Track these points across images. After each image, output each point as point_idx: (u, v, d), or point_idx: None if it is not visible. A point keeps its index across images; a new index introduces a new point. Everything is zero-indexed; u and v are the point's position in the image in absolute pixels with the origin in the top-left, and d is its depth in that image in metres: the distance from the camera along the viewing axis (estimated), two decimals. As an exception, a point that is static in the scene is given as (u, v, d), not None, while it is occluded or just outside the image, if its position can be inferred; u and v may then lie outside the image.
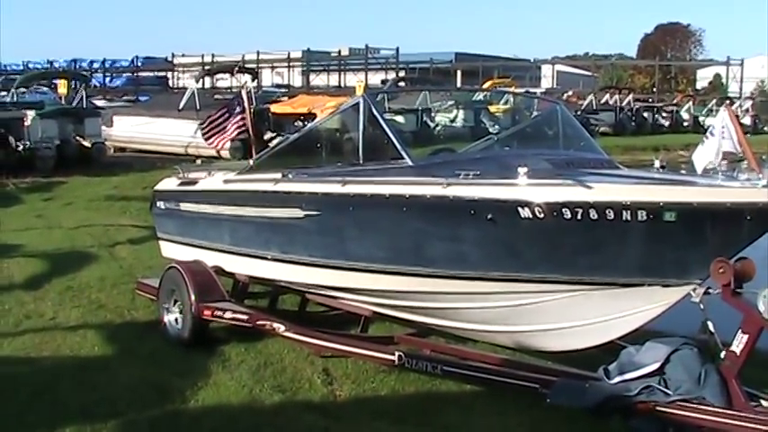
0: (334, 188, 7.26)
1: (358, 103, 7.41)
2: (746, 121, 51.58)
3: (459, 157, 7.63)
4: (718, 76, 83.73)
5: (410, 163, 6.88)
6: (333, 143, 8.30)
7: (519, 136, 8.84)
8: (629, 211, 5.53)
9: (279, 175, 7.93)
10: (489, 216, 6.11)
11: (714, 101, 55.39)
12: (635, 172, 7.02)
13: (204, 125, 10.54)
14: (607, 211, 5.59)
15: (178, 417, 6.71)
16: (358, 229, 7.17)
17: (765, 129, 57.10)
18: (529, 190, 5.93)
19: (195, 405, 6.94)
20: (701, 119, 52.63)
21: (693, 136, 45.83)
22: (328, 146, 8.30)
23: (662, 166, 6.96)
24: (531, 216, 5.87)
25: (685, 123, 52.40)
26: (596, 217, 5.63)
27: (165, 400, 6.99)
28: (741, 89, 71.40)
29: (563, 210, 5.74)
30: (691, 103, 55.74)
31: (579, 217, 5.69)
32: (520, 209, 5.90)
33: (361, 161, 7.30)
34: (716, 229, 5.47)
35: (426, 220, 6.58)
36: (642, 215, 5.51)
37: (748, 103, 58.53)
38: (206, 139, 10.48)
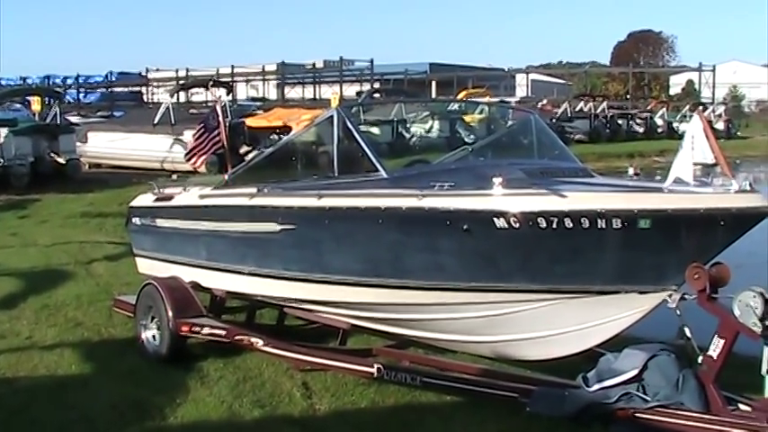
0: (309, 202, 7.25)
1: (332, 117, 7.41)
2: (720, 126, 52.05)
3: (434, 169, 7.64)
4: (690, 82, 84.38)
5: (385, 175, 6.89)
6: (308, 156, 8.30)
7: (494, 146, 8.88)
8: (603, 219, 5.56)
9: (254, 190, 7.92)
10: (465, 227, 6.12)
11: (687, 107, 55.75)
12: (609, 180, 7.07)
13: (188, 147, 10.53)
14: (582, 220, 5.62)
15: (158, 434, 6.68)
16: (334, 242, 7.16)
17: (738, 133, 57.65)
18: (504, 200, 5.94)
19: (175, 422, 6.88)
20: (674, 125, 52.98)
21: (668, 142, 46.28)
22: (303, 159, 8.31)
23: (636, 174, 7.01)
24: (506, 226, 5.88)
25: (659, 129, 52.76)
26: (571, 225, 5.66)
27: (144, 418, 6.94)
28: (714, 95, 71.94)
29: (538, 219, 5.76)
30: (664, 109, 56.11)
31: (555, 226, 5.71)
32: (495, 219, 5.91)
33: (336, 174, 7.31)
34: (690, 235, 5.52)
35: (402, 232, 6.58)
36: (617, 223, 5.54)
37: (721, 109, 59.05)
38: (187, 160, 10.45)
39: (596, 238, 5.66)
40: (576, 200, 5.73)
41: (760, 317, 5.36)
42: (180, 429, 6.76)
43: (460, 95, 49.85)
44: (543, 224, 5.75)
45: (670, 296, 5.71)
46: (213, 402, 7.26)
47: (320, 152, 7.99)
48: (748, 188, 5.39)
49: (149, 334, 8.60)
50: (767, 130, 63.70)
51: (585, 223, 5.61)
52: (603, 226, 5.58)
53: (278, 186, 7.89)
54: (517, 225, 5.84)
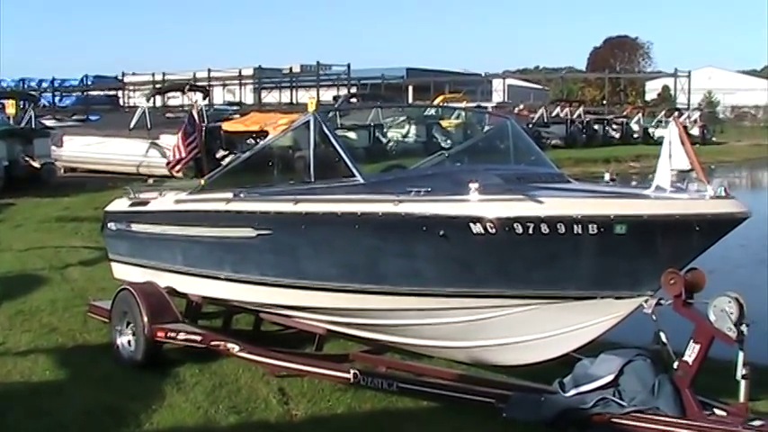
0: (285, 207, 7.22)
1: (309, 121, 7.40)
2: (695, 131, 52.51)
3: (411, 174, 7.63)
4: (666, 87, 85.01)
5: (361, 180, 6.88)
6: (284, 161, 8.29)
7: (470, 151, 8.88)
8: (580, 225, 5.57)
9: (230, 195, 7.89)
10: (441, 232, 6.11)
11: (663, 112, 56.24)
12: (585, 185, 7.08)
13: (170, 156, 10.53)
14: (558, 225, 5.63)
15: (133, 441, 6.63)
16: (311, 248, 7.14)
17: (714, 139, 58.10)
18: (480, 205, 5.94)
19: (150, 428, 6.84)
20: (650, 130, 53.48)
21: (644, 147, 46.70)
22: (280, 164, 8.28)
23: (612, 179, 7.03)
24: (482, 231, 5.89)
25: (635, 135, 53.23)
26: (548, 231, 5.67)
27: (119, 424, 6.88)
28: (689, 100, 72.49)
29: (514, 225, 5.76)
30: (640, 114, 56.61)
31: (531, 231, 5.72)
32: (471, 224, 5.91)
33: (312, 179, 7.29)
34: (666, 241, 5.54)
35: (379, 238, 6.57)
36: (593, 228, 5.55)
37: (696, 114, 59.56)
38: (170, 168, 10.43)
39: (572, 244, 5.67)
40: (553, 205, 5.74)
41: (735, 322, 5.39)
42: (155, 435, 6.73)
43: (437, 100, 50.02)
44: (519, 230, 5.75)
45: (646, 301, 5.73)
46: (189, 408, 7.22)
47: (297, 157, 7.97)
48: (723, 194, 5.42)
49: (125, 339, 8.54)
50: (742, 135, 64.35)
51: (562, 229, 5.63)
52: (580, 231, 5.59)
53: (254, 191, 7.85)
54: (493, 231, 5.84)
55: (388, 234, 6.49)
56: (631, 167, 38.28)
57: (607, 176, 7.03)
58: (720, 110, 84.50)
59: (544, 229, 5.67)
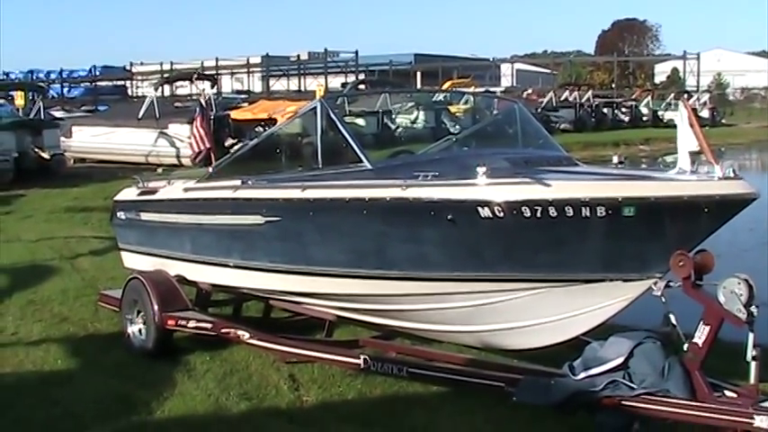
0: (293, 194, 7.22)
1: (315, 108, 7.38)
2: (705, 114, 52.28)
3: (418, 159, 7.63)
4: (675, 70, 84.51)
5: (369, 166, 6.87)
6: (292, 148, 8.29)
7: (478, 136, 8.86)
8: (588, 208, 5.55)
9: (238, 182, 7.89)
10: (449, 216, 6.11)
11: (672, 95, 55.96)
12: (593, 168, 7.06)
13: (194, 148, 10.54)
14: (566, 208, 5.61)
15: (144, 428, 6.65)
16: (319, 234, 7.15)
17: (723, 121, 57.86)
18: (488, 189, 5.93)
19: (161, 416, 6.87)
20: (659, 113, 53.23)
21: (653, 130, 46.53)
22: (287, 151, 8.29)
23: (620, 162, 7.01)
24: (491, 215, 5.87)
25: (644, 118, 53.01)
26: (556, 214, 5.65)
27: (130, 412, 6.92)
28: (698, 83, 72.16)
29: (522, 208, 5.75)
30: (649, 97, 56.32)
31: (539, 215, 5.71)
32: (479, 208, 5.90)
33: (320, 165, 7.30)
34: (674, 223, 5.52)
35: (387, 223, 6.57)
36: (601, 211, 5.54)
37: (706, 97, 59.27)
38: (195, 159, 10.41)
39: (581, 227, 5.66)
40: (561, 188, 5.72)
41: (745, 303, 5.36)
42: (167, 423, 6.74)
43: (446, 86, 49.86)
44: (528, 213, 5.74)
45: (655, 284, 5.71)
46: (200, 396, 7.25)
47: (304, 144, 7.97)
48: (732, 175, 5.40)
49: (135, 328, 8.58)
50: (751, 117, 64.04)
51: (570, 212, 5.61)
52: (588, 214, 5.57)
53: (262, 178, 7.85)
54: (501, 214, 5.83)
55: (396, 219, 6.48)
56: (641, 151, 38.15)
57: (615, 159, 6.99)
58: (730, 92, 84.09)
59: (552, 212, 5.66)
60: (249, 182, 7.83)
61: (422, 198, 6.24)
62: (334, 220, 6.97)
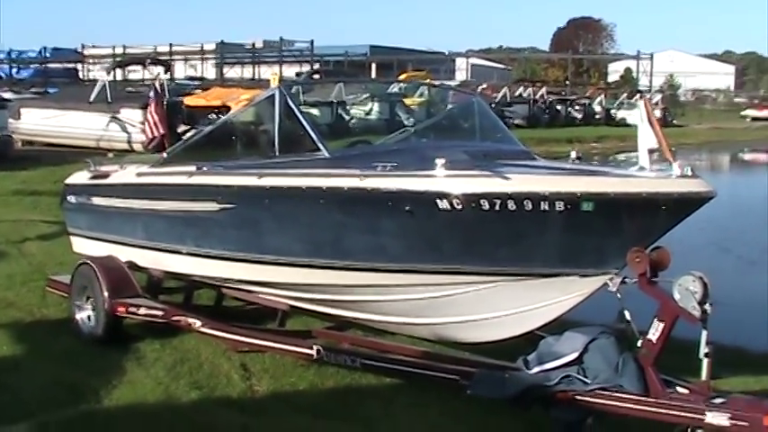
0: (249, 181, 7.14)
1: (273, 95, 7.30)
2: (657, 114, 52.67)
3: (377, 149, 7.58)
4: (629, 69, 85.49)
5: (327, 155, 6.81)
6: (248, 135, 8.19)
7: (436, 128, 8.80)
8: (547, 202, 5.55)
9: (193, 168, 7.78)
10: (407, 208, 6.07)
11: (625, 94, 56.58)
12: (552, 163, 7.05)
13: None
14: (525, 202, 5.59)
15: (93, 417, 6.51)
16: (274, 222, 7.07)
17: (675, 121, 58.65)
18: (447, 181, 5.90)
19: (110, 404, 6.75)
20: (612, 112, 53.79)
21: (606, 128, 47.01)
22: (243, 138, 8.20)
23: (578, 158, 7.02)
24: (449, 207, 5.84)
25: (597, 116, 53.60)
26: (515, 208, 5.63)
27: (78, 400, 6.78)
28: (651, 83, 72.98)
29: (481, 201, 5.72)
30: (602, 96, 56.97)
31: (498, 208, 5.68)
32: (438, 200, 5.87)
33: (277, 153, 7.21)
34: (632, 220, 5.53)
35: (344, 213, 6.51)
36: (560, 206, 5.53)
37: (658, 97, 59.99)
38: (149, 145, 10.25)
39: (539, 221, 5.65)
40: (520, 182, 5.70)
41: (699, 301, 5.40)
42: (116, 412, 6.63)
43: (401, 78, 49.82)
44: (486, 206, 5.71)
45: (611, 279, 5.73)
46: (150, 384, 7.14)
47: (261, 131, 7.88)
48: (690, 173, 5.43)
49: (84, 314, 8.43)
50: (702, 118, 65.00)
51: (529, 206, 5.59)
52: (547, 208, 5.56)
53: (217, 165, 7.76)
54: (460, 207, 5.80)
55: (354, 209, 6.43)
56: (594, 148, 38.49)
57: (573, 154, 7.01)
58: (681, 93, 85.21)
59: (511, 205, 5.64)
60: (204, 168, 7.73)
61: (380, 188, 6.18)
62: (290, 209, 6.90)
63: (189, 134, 19.37)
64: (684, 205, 5.46)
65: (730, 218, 17.59)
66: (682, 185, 5.41)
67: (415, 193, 6.02)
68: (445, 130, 8.52)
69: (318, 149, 6.85)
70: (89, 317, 8.38)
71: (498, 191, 5.67)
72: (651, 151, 5.75)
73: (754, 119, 66.40)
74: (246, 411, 6.70)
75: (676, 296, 5.46)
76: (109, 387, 7.01)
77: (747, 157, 45.18)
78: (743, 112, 71.04)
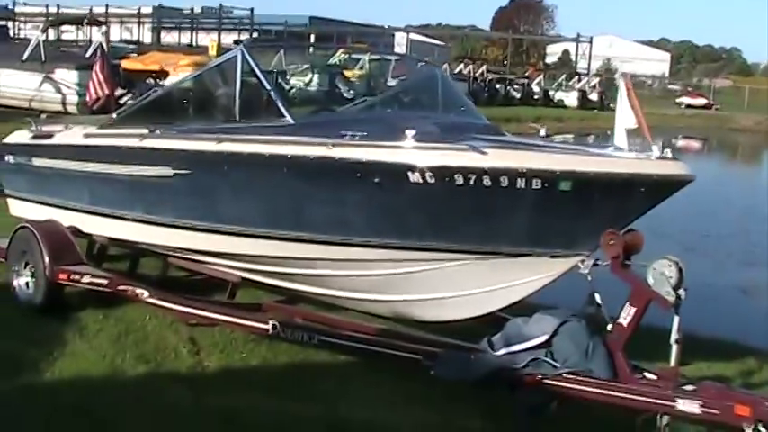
0: (207, 146, 6.82)
1: (235, 57, 6.98)
2: (594, 97, 53.41)
3: (343, 117, 7.33)
4: (567, 52, 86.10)
5: (291, 121, 6.54)
6: (206, 98, 7.81)
7: (400, 98, 8.55)
8: (524, 179, 5.36)
9: (146, 131, 7.42)
10: (376, 180, 5.83)
11: (564, 76, 56.97)
12: (524, 139, 6.83)
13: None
14: (502, 179, 5.40)
15: (33, 390, 6.17)
16: (232, 191, 6.77)
17: (611, 105, 59.18)
18: (420, 153, 5.67)
19: (52, 377, 6.40)
20: (551, 92, 54.08)
21: (544, 109, 47.27)
22: (201, 101, 7.83)
23: (546, 135, 6.86)
24: (420, 181, 5.62)
25: (536, 96, 53.76)
26: (489, 184, 5.43)
27: (17, 372, 6.41)
28: (589, 66, 73.50)
29: (455, 175, 5.51)
30: (541, 77, 57.18)
31: (472, 183, 5.48)
32: (410, 173, 5.64)
33: (237, 118, 6.91)
34: (609, 201, 5.38)
35: (308, 183, 6.24)
36: (537, 183, 5.35)
37: (595, 80, 60.47)
38: (92, 106, 9.81)
39: (513, 199, 5.46)
40: (497, 157, 5.50)
41: (674, 286, 5.28)
42: (58, 385, 6.29)
43: (339, 52, 49.43)
44: (460, 181, 5.50)
45: (582, 262, 5.59)
46: (93, 356, 6.82)
47: (220, 95, 7.53)
48: (669, 155, 5.30)
49: (22, 281, 8.02)
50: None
51: (504, 182, 5.40)
52: (523, 186, 5.38)
53: (173, 128, 7.41)
54: (432, 180, 5.58)
55: (319, 179, 6.16)
56: (532, 129, 38.38)
57: (543, 132, 6.83)
58: (618, 77, 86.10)
59: (486, 181, 5.43)
60: (158, 131, 7.37)
61: (349, 158, 5.93)
62: (249, 177, 6.60)
63: (125, 99, 18.93)
64: (663, 188, 5.34)
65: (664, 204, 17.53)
66: (662, 167, 5.29)
67: (385, 165, 5.78)
68: (410, 101, 8.28)
69: (283, 116, 6.57)
70: (27, 284, 7.97)
71: (474, 165, 5.47)
72: (629, 130, 5.60)
73: (688, 106, 67.29)
74: (195, 387, 6.42)
75: (650, 280, 5.35)
76: (49, 359, 6.66)
77: (680, 143, 45.76)
78: (677, 100, 71.95)
